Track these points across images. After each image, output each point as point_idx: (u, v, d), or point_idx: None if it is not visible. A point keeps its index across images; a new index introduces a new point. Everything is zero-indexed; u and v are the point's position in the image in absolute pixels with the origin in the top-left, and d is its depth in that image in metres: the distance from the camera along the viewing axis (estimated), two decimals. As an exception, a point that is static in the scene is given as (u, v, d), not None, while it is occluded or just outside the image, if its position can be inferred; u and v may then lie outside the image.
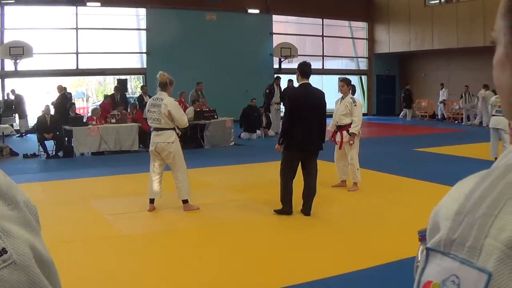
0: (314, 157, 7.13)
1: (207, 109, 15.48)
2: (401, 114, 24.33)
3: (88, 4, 20.14)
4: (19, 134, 18.35)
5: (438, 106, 23.74)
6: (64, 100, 15.96)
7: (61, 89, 16.56)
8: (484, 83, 19.71)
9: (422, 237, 0.79)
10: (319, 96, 7.20)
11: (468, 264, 0.60)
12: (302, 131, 6.83)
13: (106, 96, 16.74)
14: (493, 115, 10.88)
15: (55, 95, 16.96)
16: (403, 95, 23.70)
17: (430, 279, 0.64)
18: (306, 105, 6.89)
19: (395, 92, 27.34)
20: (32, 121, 19.56)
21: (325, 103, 7.30)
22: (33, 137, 14.68)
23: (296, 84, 17.57)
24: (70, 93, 17.66)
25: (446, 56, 24.21)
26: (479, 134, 15.75)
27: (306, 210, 7.07)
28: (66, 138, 13.63)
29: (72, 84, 27.54)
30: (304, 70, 7.11)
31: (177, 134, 7.35)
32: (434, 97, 23.98)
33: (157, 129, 7.25)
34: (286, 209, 7.06)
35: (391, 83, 27.21)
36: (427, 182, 9.03)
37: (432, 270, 0.64)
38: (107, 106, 15.32)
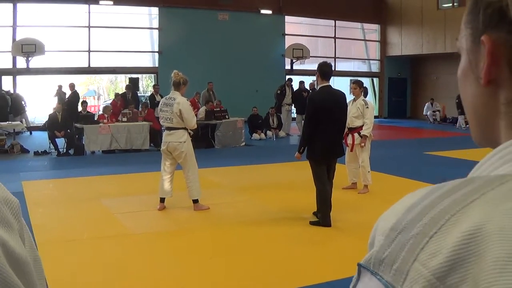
0: (335, 160, 6.88)
1: (219, 109, 15.46)
2: (460, 123, 21.77)
3: (100, 2, 20.22)
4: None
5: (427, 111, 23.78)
6: (76, 98, 16.01)
7: (73, 87, 16.63)
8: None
9: None
10: (341, 99, 6.82)
11: None
12: (327, 136, 6.48)
13: (117, 95, 16.79)
14: None
15: (67, 93, 17.04)
16: (457, 101, 20.37)
17: None
18: (330, 110, 6.51)
19: (407, 94, 27.25)
20: (35, 118, 19.66)
21: (346, 106, 7.07)
22: (44, 134, 14.72)
23: (307, 85, 17.87)
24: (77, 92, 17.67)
25: (458, 60, 23.98)
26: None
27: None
28: (77, 136, 13.65)
29: (83, 82, 27.70)
30: (325, 71, 6.75)
31: (189, 133, 7.34)
32: (446, 100, 23.74)
33: (169, 128, 7.25)
34: (325, 222, 6.55)
35: (402, 86, 27.12)
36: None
37: None
38: (118, 105, 15.35)
